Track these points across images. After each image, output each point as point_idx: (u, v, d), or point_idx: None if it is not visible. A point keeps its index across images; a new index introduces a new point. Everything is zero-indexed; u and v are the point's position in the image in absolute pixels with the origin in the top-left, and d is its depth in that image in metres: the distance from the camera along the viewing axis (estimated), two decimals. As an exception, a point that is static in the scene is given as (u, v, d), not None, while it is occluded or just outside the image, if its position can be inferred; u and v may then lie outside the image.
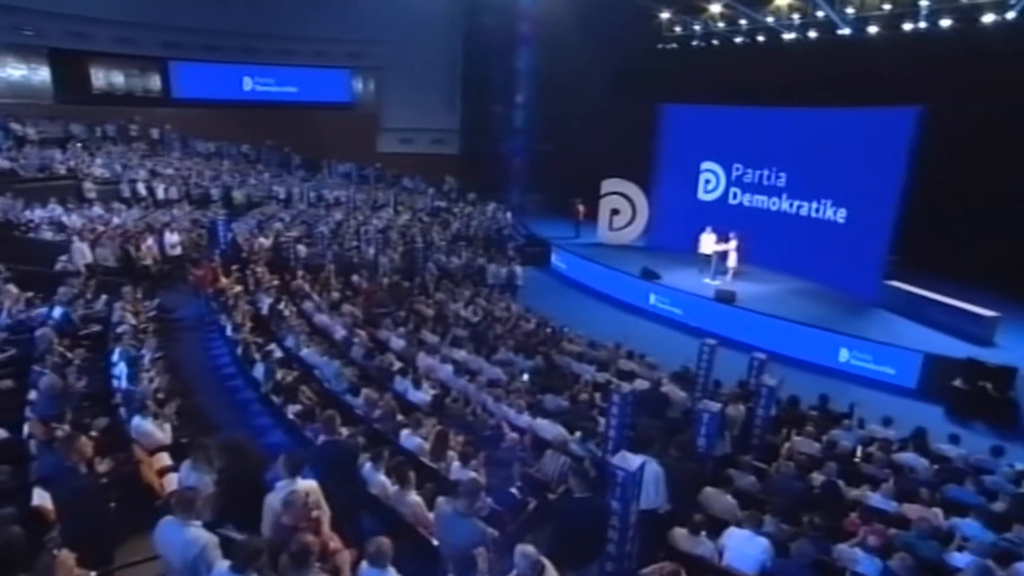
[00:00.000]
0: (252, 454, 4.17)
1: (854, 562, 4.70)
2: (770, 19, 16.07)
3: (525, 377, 8.13)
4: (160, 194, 16.79)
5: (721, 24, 17.49)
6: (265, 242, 12.88)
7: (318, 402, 6.64)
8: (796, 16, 15.61)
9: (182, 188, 17.62)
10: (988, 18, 12.70)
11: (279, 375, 6.81)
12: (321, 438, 4.40)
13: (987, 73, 12.29)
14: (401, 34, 23.13)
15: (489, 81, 22.42)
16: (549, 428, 6.44)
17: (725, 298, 13.18)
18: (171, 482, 4.48)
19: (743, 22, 16.90)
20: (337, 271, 12.59)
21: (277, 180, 20.54)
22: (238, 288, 10.47)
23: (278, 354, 7.74)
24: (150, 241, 12.29)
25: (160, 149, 20.79)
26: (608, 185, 18.63)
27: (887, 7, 13.81)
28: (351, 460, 4.20)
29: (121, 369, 6.39)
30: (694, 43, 18.86)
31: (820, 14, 14.98)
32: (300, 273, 11.91)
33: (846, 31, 14.67)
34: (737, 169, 16.92)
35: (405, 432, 5.81)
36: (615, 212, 18.78)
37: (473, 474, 5.18)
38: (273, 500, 3.61)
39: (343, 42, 23.74)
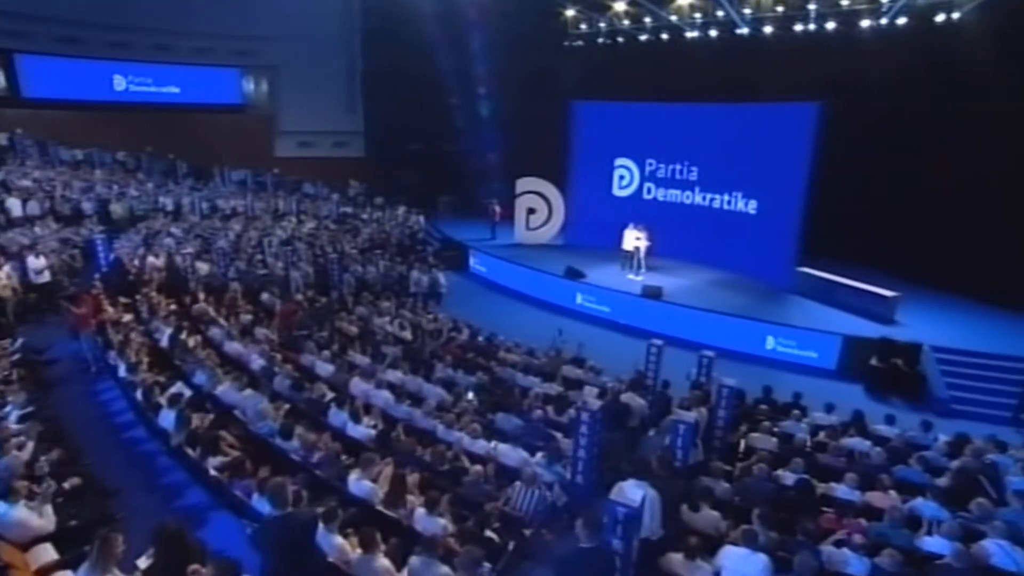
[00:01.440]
0: (187, 542, 3.31)
1: (844, 563, 4.62)
2: (673, 17, 16.49)
3: (470, 396, 7.56)
4: (16, 211, 14.33)
5: (626, 22, 17.76)
6: (156, 261, 11.28)
7: (243, 449, 5.71)
8: (698, 15, 16.12)
9: (45, 203, 15.17)
10: (865, 23, 13.74)
11: (194, 421, 5.77)
12: (269, 511, 3.59)
13: (869, 71, 13.25)
14: (293, 31, 21.59)
15: (393, 81, 21.40)
16: (511, 454, 5.94)
17: (652, 294, 13.29)
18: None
19: (648, 20, 17.25)
20: (244, 290, 11.32)
21: (163, 190, 18.36)
22: (128, 318, 9.02)
23: (187, 394, 6.62)
24: (7, 267, 10.32)
25: (11, 157, 17.87)
26: (523, 184, 18.41)
27: (780, 9, 14.57)
28: (310, 535, 3.45)
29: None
30: (600, 40, 19.04)
31: (720, 14, 15.56)
32: (201, 295, 10.52)
33: (744, 31, 15.33)
34: (650, 164, 17.24)
35: (353, 477, 5.07)
36: (531, 211, 18.60)
37: (442, 521, 4.58)
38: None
39: (228, 38, 21.73)
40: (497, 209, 19.36)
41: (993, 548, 4.87)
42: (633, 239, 15.07)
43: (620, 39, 18.60)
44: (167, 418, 5.96)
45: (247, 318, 9.71)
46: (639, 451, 6.08)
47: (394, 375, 7.96)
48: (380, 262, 13.81)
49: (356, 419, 6.19)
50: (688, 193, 16.54)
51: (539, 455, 6.07)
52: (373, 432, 6.09)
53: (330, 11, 22.37)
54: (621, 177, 17.93)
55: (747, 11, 15.04)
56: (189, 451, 5.52)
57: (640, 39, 18.01)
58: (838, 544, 4.83)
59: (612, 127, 17.60)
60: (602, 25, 18.51)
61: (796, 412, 7.61)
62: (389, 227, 18.83)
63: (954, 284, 12.78)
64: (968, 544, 4.89)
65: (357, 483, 4.99)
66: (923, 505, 5.66)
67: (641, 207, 17.19)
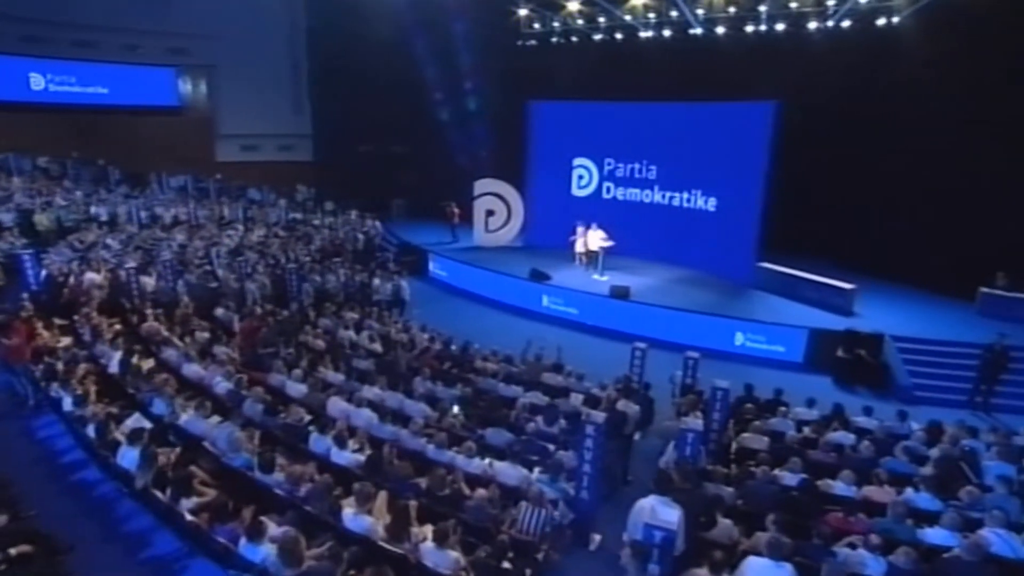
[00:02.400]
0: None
1: (862, 565, 4.59)
2: (628, 17, 16.57)
3: (455, 410, 7.23)
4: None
5: (580, 21, 17.73)
6: (96, 277, 10.29)
7: (218, 486, 5.19)
8: (652, 15, 16.25)
9: (-47, 216, 13.74)
10: (813, 25, 14.19)
11: (161, 459, 5.18)
12: (278, 569, 3.17)
13: (819, 72, 13.69)
14: (231, 28, 20.51)
15: (341, 81, 20.63)
16: (510, 472, 5.65)
17: (620, 294, 13.28)
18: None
19: (602, 20, 17.28)
20: (195, 305, 10.53)
21: (94, 199, 16.97)
22: (67, 342, 8.17)
23: (147, 427, 5.99)
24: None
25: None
26: (481, 186, 18.17)
27: (732, 10, 14.86)
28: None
29: None
30: (553, 40, 18.96)
31: (674, 14, 15.74)
32: (150, 313, 9.68)
33: (698, 31, 15.57)
34: (609, 164, 17.31)
35: (348, 511, 4.66)
36: (490, 213, 18.38)
37: (453, 554, 4.26)
38: None
39: (160, 35, 20.41)
40: (456, 211, 19.01)
41: (992, 537, 4.97)
42: (599, 239, 15.07)
43: (574, 39, 18.57)
44: (128, 456, 5.34)
45: (204, 336, 8.99)
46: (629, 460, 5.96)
47: (372, 392, 7.52)
48: (340, 270, 13.17)
49: (341, 444, 5.74)
50: (647, 192, 16.70)
51: (536, 471, 5.84)
52: (361, 458, 5.67)
53: (271, 7, 21.38)
54: (580, 177, 17.93)
55: (700, 11, 15.27)
56: (158, 493, 4.95)
57: (594, 38, 18.04)
58: (852, 546, 4.81)
59: (570, 127, 17.58)
60: (556, 24, 18.43)
61: (782, 409, 7.68)
62: (344, 233, 18.12)
63: (904, 275, 13.38)
64: (967, 534, 5.00)
65: (354, 518, 4.59)
66: (917, 497, 5.77)
67: (600, 207, 17.24)
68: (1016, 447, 7.10)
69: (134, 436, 5.43)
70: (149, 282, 10.53)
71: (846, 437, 7.20)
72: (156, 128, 20.54)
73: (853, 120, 13.50)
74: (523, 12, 18.62)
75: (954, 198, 12.21)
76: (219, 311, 10.50)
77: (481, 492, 4.98)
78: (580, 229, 15.79)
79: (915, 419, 7.90)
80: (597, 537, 5.68)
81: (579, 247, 15.78)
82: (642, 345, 8.52)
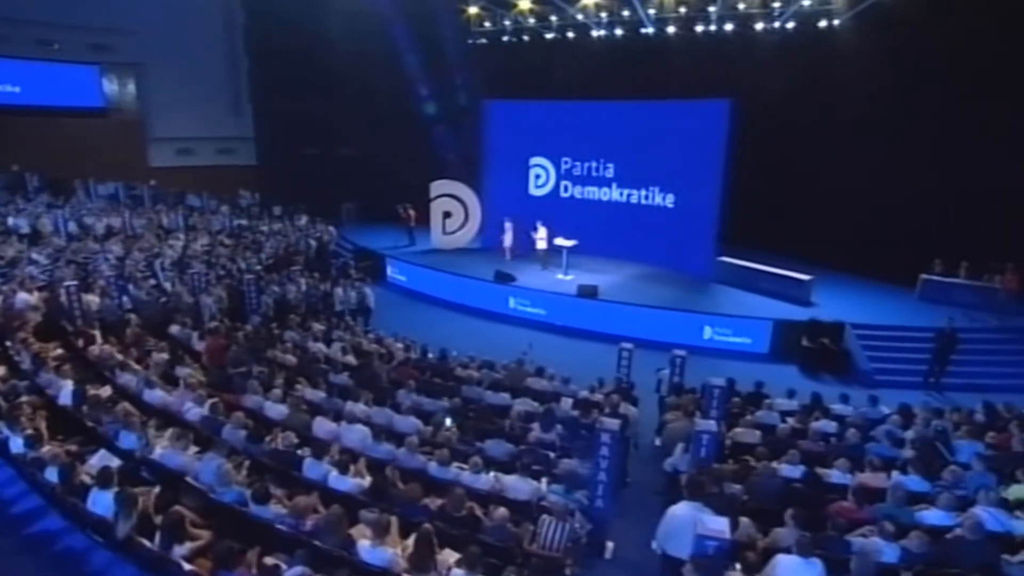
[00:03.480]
0: None
1: (878, 553, 4.72)
2: (580, 16, 16.65)
3: (448, 423, 6.98)
4: None
5: (532, 20, 17.68)
6: (29, 298, 9.30)
7: (209, 525, 4.75)
8: (604, 14, 16.39)
9: None
10: (759, 25, 14.73)
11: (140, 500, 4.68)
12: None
13: (767, 70, 14.21)
14: (159, 24, 19.18)
15: (285, 82, 19.68)
16: (522, 486, 5.48)
17: (588, 293, 13.34)
18: None
19: (554, 18, 17.29)
20: (146, 323, 9.74)
21: (11, 209, 15.44)
22: (0, 372, 7.33)
23: (114, 464, 5.42)
24: None
25: None
26: (437, 187, 17.85)
27: (682, 10, 15.20)
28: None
29: None
30: (505, 39, 18.83)
31: (626, 13, 15.95)
32: (96, 334, 8.87)
33: (650, 30, 15.83)
34: (566, 162, 17.37)
35: (365, 544, 4.36)
36: (447, 215, 18.09)
37: (487, 581, 4.06)
38: None
39: (80, 30, 18.85)
40: (412, 213, 18.57)
41: (984, 515, 5.25)
42: (543, 238, 15.47)
43: (525, 37, 18.51)
44: (100, 501, 4.79)
45: (161, 357, 8.30)
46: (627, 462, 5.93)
47: (357, 408, 7.16)
48: (300, 279, 12.54)
49: (343, 469, 5.40)
50: (605, 190, 16.87)
51: (544, 481, 5.72)
52: (364, 482, 5.35)
53: (202, 1, 20.12)
54: (537, 176, 17.91)
55: (651, 11, 15.53)
56: (144, 541, 4.46)
57: (546, 37, 18.04)
58: (863, 535, 4.95)
59: (525, 126, 17.51)
60: (507, 23, 18.30)
61: (767, 402, 7.87)
62: (295, 239, 17.32)
63: (851, 265, 14.10)
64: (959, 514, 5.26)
65: (372, 550, 4.30)
66: (907, 480, 6.02)
67: (559, 206, 17.31)
68: (978, 424, 7.61)
69: (104, 477, 4.88)
70: (93, 300, 9.62)
71: (828, 425, 7.47)
72: (79, 131, 18.90)
73: (800, 118, 14.10)
74: (473, 10, 18.39)
75: (893, 192, 12.98)
76: (174, 328, 9.75)
77: (502, 511, 4.79)
78: (508, 226, 16.18)
79: (880, 402, 8.31)
80: (610, 544, 5.61)
81: (530, 245, 15.90)
82: (628, 345, 8.54)
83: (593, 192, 17.10)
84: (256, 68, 20.68)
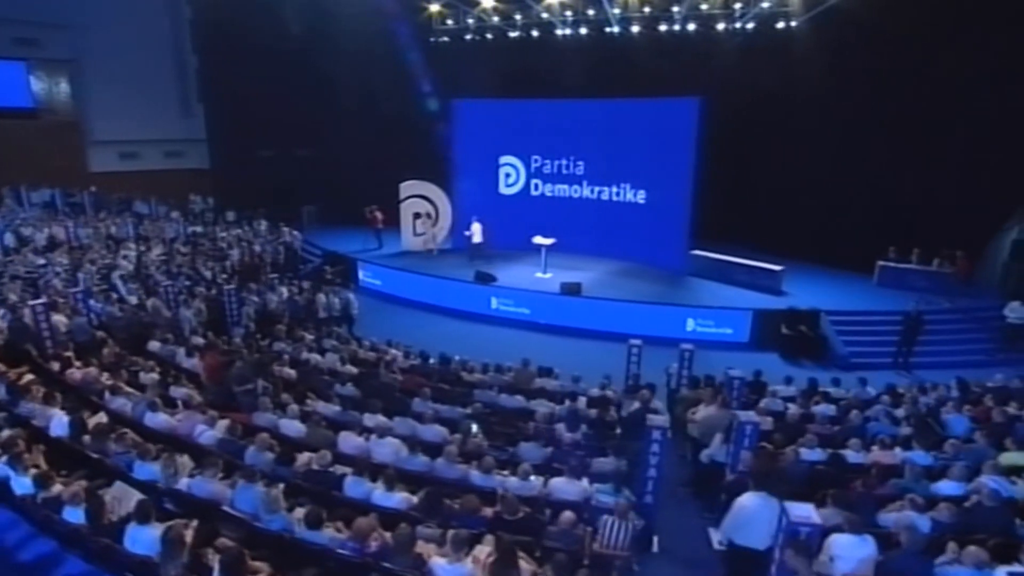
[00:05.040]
0: None
1: (912, 526, 5.03)
2: (545, 15, 16.73)
3: (475, 429, 6.92)
4: None
5: (496, 19, 17.62)
6: (-13, 322, 8.50)
7: (259, 557, 4.52)
8: (569, 13, 16.54)
9: None
10: (721, 26, 15.27)
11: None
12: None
13: (731, 70, 14.79)
14: (96, 18, 17.85)
15: (238, 82, 18.73)
16: (569, 488, 5.52)
17: (571, 290, 13.48)
18: None
19: (518, 17, 17.29)
20: (122, 341, 9.12)
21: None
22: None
23: (136, 497, 5.06)
24: None
25: None
26: (406, 188, 17.56)
27: (647, 10, 15.55)
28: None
29: None
30: (468, 37, 18.68)
31: (591, 12, 16.15)
32: (69, 355, 8.22)
33: (615, 29, 16.11)
34: (535, 161, 17.46)
35: (441, 562, 4.28)
36: (417, 216, 17.83)
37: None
38: None
39: (2, 22, 17.21)
40: (379, 216, 18.14)
41: (991, 483, 5.72)
42: (480, 232, 16.04)
43: (489, 36, 18.43)
44: (141, 539, 4.47)
45: (151, 378, 7.79)
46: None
47: (374, 420, 6.99)
48: (281, 288, 12.06)
49: (390, 486, 5.26)
50: (576, 187, 17.07)
51: (585, 480, 5.78)
52: (413, 498, 5.24)
53: (141, -4, 18.92)
54: (507, 175, 17.92)
55: (616, 11, 15.80)
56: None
57: (510, 35, 18.02)
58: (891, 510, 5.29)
59: (494, 125, 17.48)
60: (470, 21, 18.15)
61: (772, 389, 8.24)
62: (259, 245, 16.62)
63: (813, 255, 14.84)
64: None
65: (450, 568, 4.22)
66: (914, 455, 6.47)
67: (529, 204, 17.41)
68: (954, 399, 8.26)
69: (143, 512, 4.55)
70: (63, 321, 8.88)
71: (829, 409, 7.91)
72: (6, 133, 17.33)
73: (761, 116, 14.74)
74: (435, 8, 18.13)
75: (850, 184, 13.81)
76: (154, 345, 9.17)
77: (567, 515, 4.81)
78: (476, 227, 16.31)
79: (854, 383, 8.87)
80: (655, 538, 5.74)
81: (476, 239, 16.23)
82: (637, 342, 8.72)
83: (564, 190, 17.27)
84: (206, 67, 19.54)
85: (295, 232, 17.82)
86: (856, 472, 6.15)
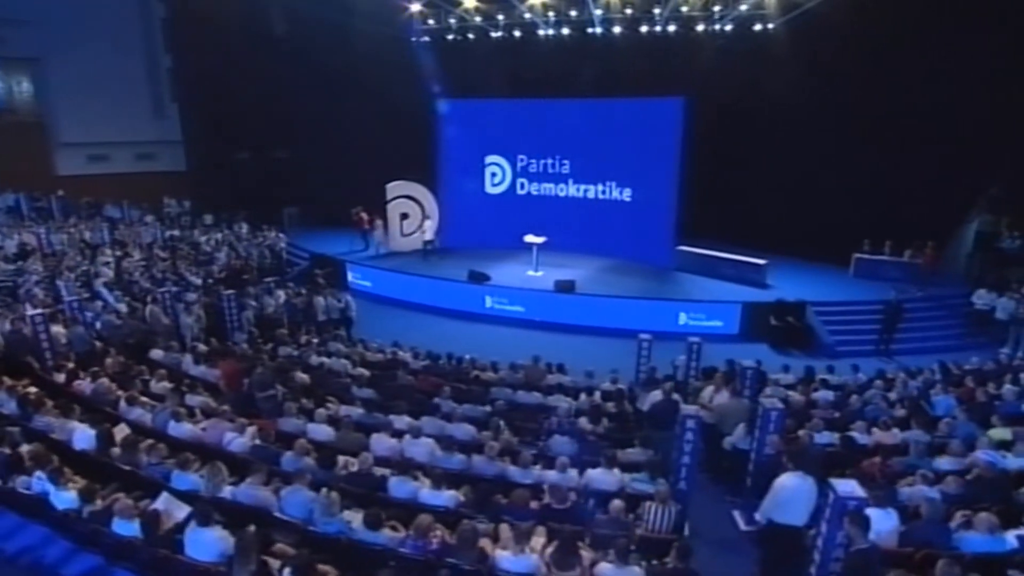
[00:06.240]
0: None
1: (925, 498, 5.45)
2: (528, 15, 16.89)
3: (502, 425, 7.08)
4: None
5: (478, 18, 17.68)
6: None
7: (323, 561, 4.60)
8: (551, 14, 16.74)
9: None
10: (700, 27, 15.74)
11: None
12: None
13: (711, 71, 15.26)
14: (60, 15, 17.09)
15: (214, 82, 18.25)
16: (606, 478, 5.76)
17: (566, 288, 13.74)
18: None
19: (501, 17, 17.39)
20: (122, 350, 8.92)
21: None
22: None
23: (180, 512, 5.06)
24: None
25: None
26: (393, 189, 17.51)
27: (628, 11, 15.88)
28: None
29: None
30: (450, 37, 18.68)
31: (573, 13, 16.39)
32: (72, 367, 8.01)
33: (598, 30, 16.40)
34: (522, 160, 17.65)
35: (505, 555, 4.45)
36: (404, 216, 17.82)
37: (637, 569, 4.32)
38: None
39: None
40: (365, 216, 18.02)
41: (986, 457, 6.22)
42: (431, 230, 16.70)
43: (471, 35, 18.47)
44: (202, 544, 4.48)
45: (164, 386, 7.69)
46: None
47: (402, 422, 7.08)
48: (278, 291, 11.92)
49: (437, 485, 5.39)
50: (562, 186, 17.34)
51: (616, 470, 6.01)
52: (460, 496, 5.38)
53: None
54: (493, 175, 18.06)
55: (598, 12, 16.09)
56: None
57: (492, 36, 18.10)
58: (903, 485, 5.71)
59: (480, 124, 17.59)
60: (452, 21, 18.16)
61: (773, 378, 8.66)
62: (243, 248, 16.31)
63: (792, 248, 15.42)
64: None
65: (515, 559, 4.40)
66: (914, 435, 6.95)
67: (516, 203, 17.59)
68: (941, 382, 8.85)
69: (204, 514, 4.57)
70: (61, 332, 8.61)
71: (828, 394, 8.38)
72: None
73: (742, 115, 15.25)
74: (415, 7, 18.07)
75: (827, 181, 14.43)
76: (157, 354, 9.00)
77: (616, 503, 5.04)
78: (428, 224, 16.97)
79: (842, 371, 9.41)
80: (686, 523, 6.02)
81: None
82: (647, 336, 9.01)
83: (550, 188, 17.52)
84: (181, 66, 18.97)
85: (280, 235, 17.53)
86: (864, 452, 6.58)
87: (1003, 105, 12.02)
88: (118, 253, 15.04)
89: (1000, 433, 6.91)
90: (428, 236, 16.93)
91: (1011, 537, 4.82)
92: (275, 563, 4.48)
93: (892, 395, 8.34)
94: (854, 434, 6.94)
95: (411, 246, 17.68)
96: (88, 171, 18.58)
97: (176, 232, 17.50)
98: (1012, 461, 6.28)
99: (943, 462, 6.30)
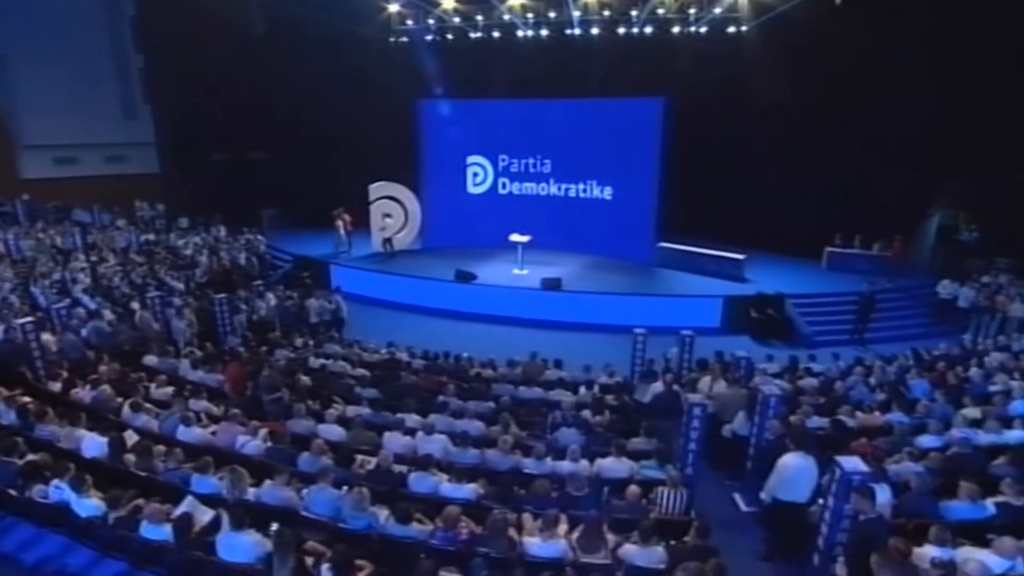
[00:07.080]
0: None
1: (912, 474, 5.86)
2: (507, 16, 17.06)
3: (508, 419, 7.27)
4: None
5: (457, 19, 17.76)
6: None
7: (355, 554, 4.72)
8: (530, 15, 16.94)
9: None
10: (676, 29, 16.17)
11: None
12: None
13: (688, 72, 15.72)
14: (22, 12, 16.53)
15: (188, 82, 17.84)
16: (617, 467, 6.02)
17: (552, 285, 14.00)
18: None
19: (480, 18, 17.52)
20: (114, 356, 8.79)
21: None
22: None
23: (204, 516, 5.11)
24: None
25: None
26: (375, 190, 17.49)
27: (606, 13, 16.21)
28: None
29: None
30: (428, 38, 18.71)
31: (552, 14, 16.64)
32: (65, 375, 7.89)
33: (576, 31, 16.68)
34: (503, 160, 17.83)
35: (534, 541, 4.66)
36: (387, 217, 17.80)
37: (660, 548, 4.58)
38: None
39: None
40: (347, 218, 17.93)
41: (961, 435, 6.69)
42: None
43: (450, 36, 18.55)
44: (237, 546, 4.55)
45: (165, 391, 7.64)
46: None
47: (411, 419, 7.21)
48: (269, 294, 11.85)
49: (458, 479, 5.56)
50: (544, 185, 17.59)
51: (625, 459, 6.28)
52: (480, 489, 5.56)
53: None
54: (475, 175, 18.19)
55: (576, 13, 16.36)
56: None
57: (471, 36, 18.21)
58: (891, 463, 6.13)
59: (461, 125, 17.68)
60: (431, 22, 18.20)
61: (760, 367, 9.07)
62: (225, 251, 16.07)
63: (767, 244, 16.04)
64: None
65: (544, 545, 4.61)
66: (895, 416, 7.42)
67: (498, 203, 17.77)
68: (914, 367, 9.41)
69: (238, 518, 4.64)
70: (52, 340, 8.44)
71: (811, 381, 8.83)
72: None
73: (717, 114, 15.75)
74: (394, 8, 18.04)
75: (799, 177, 15.02)
76: (151, 359, 8.89)
77: (633, 488, 5.29)
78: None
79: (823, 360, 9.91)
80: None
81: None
82: (641, 331, 9.31)
83: (532, 188, 17.74)
84: (153, 66, 18.49)
85: (260, 237, 17.31)
86: (852, 434, 7.00)
87: (962, 106, 12.76)
88: (93, 258, 14.67)
89: (972, 412, 7.45)
90: (388, 234, 16.93)
91: (990, 504, 5.26)
92: (309, 560, 4.59)
93: (872, 380, 8.83)
94: (842, 417, 7.36)
95: (395, 246, 17.67)
96: (55, 174, 17.96)
97: (151, 236, 17.13)
98: (983, 437, 6.79)
99: (925, 440, 6.76)
